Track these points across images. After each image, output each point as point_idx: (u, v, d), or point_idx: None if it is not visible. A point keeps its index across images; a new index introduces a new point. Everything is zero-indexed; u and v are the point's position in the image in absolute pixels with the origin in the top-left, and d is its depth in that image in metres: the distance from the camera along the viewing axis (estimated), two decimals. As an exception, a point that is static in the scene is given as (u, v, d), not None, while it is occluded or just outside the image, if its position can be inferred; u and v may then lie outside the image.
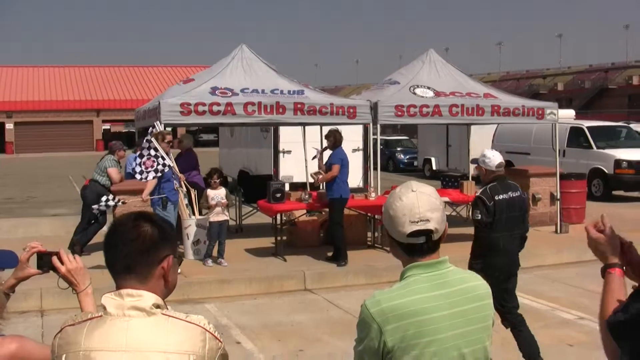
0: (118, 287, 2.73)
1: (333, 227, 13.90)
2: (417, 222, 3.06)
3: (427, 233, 3.08)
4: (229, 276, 12.91)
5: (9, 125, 71.43)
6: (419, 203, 3.08)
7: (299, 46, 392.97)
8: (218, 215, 13.62)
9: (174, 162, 13.73)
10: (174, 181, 13.48)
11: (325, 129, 16.06)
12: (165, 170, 13.14)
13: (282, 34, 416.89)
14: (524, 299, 11.91)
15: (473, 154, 20.69)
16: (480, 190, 8.70)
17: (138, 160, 13.17)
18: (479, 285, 3.22)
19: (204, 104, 13.94)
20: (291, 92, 14.93)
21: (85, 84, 77.58)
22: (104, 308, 2.69)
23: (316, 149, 14.92)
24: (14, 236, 18.29)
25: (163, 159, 13.07)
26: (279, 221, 15.08)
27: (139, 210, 3.02)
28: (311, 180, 16.16)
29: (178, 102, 13.88)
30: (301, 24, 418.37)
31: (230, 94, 14.38)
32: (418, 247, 3.11)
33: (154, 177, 13.02)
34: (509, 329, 8.67)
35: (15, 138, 71.51)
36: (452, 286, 3.11)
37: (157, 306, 2.69)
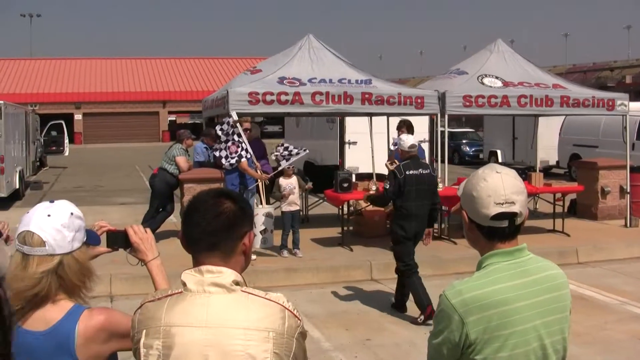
0: (198, 264, 2.75)
1: None
2: (502, 204, 2.96)
3: (511, 216, 2.99)
4: (295, 265, 12.97)
5: (78, 116, 72.55)
6: (504, 185, 2.99)
7: (362, 39, 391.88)
8: (291, 205, 13.64)
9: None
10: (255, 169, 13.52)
11: (392, 119, 16.00)
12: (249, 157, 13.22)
13: (345, 26, 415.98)
14: (593, 292, 11.78)
15: (541, 147, 20.48)
16: (396, 166, 10.75)
17: (222, 145, 13.17)
18: (558, 274, 3.11)
19: (271, 94, 13.98)
20: (359, 82, 14.88)
21: (152, 76, 78.53)
22: (184, 284, 2.71)
23: (395, 138, 14.80)
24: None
25: (245, 146, 13.13)
26: (345, 211, 15.09)
27: (216, 188, 3.05)
28: (379, 171, 16.11)
29: (246, 92, 13.92)
30: (364, 16, 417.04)
31: (298, 83, 14.38)
32: (500, 231, 3.01)
33: (241, 160, 13.05)
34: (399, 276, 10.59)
35: (83, 129, 72.66)
36: (533, 275, 3.01)
37: (237, 283, 2.71)
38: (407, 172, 10.27)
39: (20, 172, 25.21)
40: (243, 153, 13.11)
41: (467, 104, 15.21)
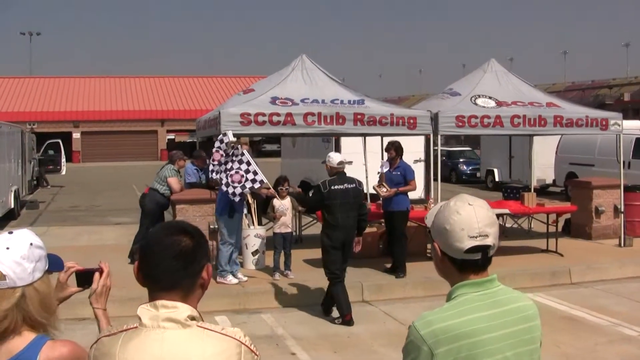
0: (154, 299, 2.72)
1: (399, 238, 13.83)
2: (476, 237, 2.94)
3: (485, 249, 2.97)
4: (286, 286, 12.89)
5: (76, 135, 72.75)
6: (478, 217, 2.96)
7: (361, 57, 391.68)
8: (282, 227, 13.59)
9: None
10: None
11: (387, 140, 16.02)
12: (256, 187, 13.13)
13: (345, 46, 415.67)
14: (585, 313, 11.72)
15: (537, 165, 20.44)
16: (322, 180, 11.63)
17: (221, 167, 13.01)
18: (529, 305, 3.09)
19: (263, 114, 13.96)
20: (351, 102, 14.87)
21: (150, 94, 78.74)
22: (139, 319, 2.68)
23: (383, 161, 14.82)
24: (78, 243, 18.57)
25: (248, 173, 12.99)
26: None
27: (172, 222, 2.99)
28: (373, 191, 16.12)
29: (238, 112, 13.90)
30: (363, 35, 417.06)
31: (290, 103, 14.37)
32: (472, 264, 2.99)
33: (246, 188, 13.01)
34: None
35: (81, 147, 72.78)
36: (503, 306, 2.99)
37: (192, 318, 2.67)
38: (331, 187, 11.28)
39: (15, 191, 25.20)
40: (247, 184, 12.94)
41: (460, 124, 15.17)
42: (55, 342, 3.01)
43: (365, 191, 18.03)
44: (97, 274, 3.43)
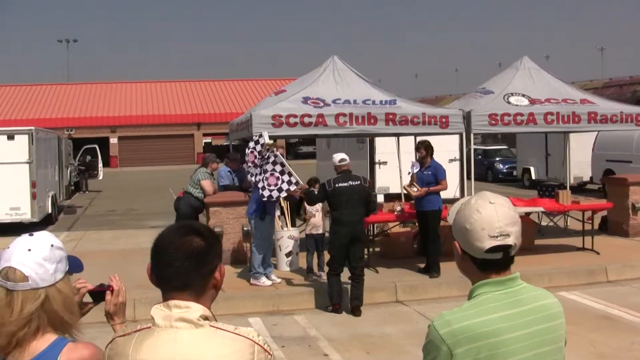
0: (167, 299, 2.73)
1: (433, 238, 13.72)
2: (497, 237, 2.87)
3: (506, 248, 2.90)
4: (319, 287, 12.85)
5: (113, 140, 73.37)
6: (499, 216, 2.89)
7: (397, 57, 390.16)
8: (314, 229, 13.59)
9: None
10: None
11: (420, 139, 15.99)
12: (292, 189, 13.04)
13: (380, 46, 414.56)
14: (621, 311, 11.57)
15: (574, 163, 20.22)
16: (328, 178, 12.13)
17: (257, 169, 12.97)
18: (552, 304, 3.02)
19: (295, 116, 13.98)
20: (383, 102, 14.84)
21: (186, 98, 79.09)
22: (153, 319, 2.70)
23: (413, 161, 14.73)
24: (115, 247, 18.73)
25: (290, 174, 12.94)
26: (371, 232, 15.01)
27: (184, 222, 2.99)
28: (404, 192, 16.08)
29: (269, 114, 13.93)
30: (398, 35, 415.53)
31: (322, 104, 14.37)
32: (494, 263, 2.92)
33: (282, 191, 12.93)
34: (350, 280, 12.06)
35: (119, 152, 73.37)
36: (525, 305, 2.92)
37: (205, 318, 2.67)
38: (336, 185, 11.80)
39: (52, 196, 25.47)
40: (284, 186, 12.85)
41: (493, 122, 15.12)
42: (76, 344, 3.02)
43: (398, 191, 18.14)
44: (108, 294, 3.42)
